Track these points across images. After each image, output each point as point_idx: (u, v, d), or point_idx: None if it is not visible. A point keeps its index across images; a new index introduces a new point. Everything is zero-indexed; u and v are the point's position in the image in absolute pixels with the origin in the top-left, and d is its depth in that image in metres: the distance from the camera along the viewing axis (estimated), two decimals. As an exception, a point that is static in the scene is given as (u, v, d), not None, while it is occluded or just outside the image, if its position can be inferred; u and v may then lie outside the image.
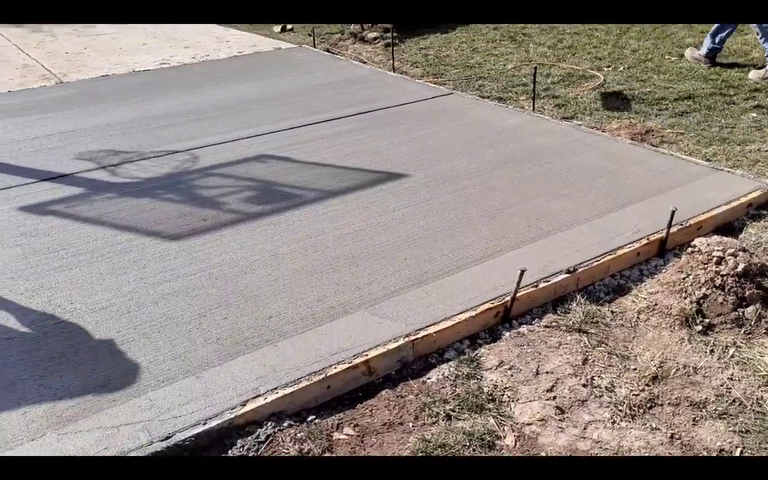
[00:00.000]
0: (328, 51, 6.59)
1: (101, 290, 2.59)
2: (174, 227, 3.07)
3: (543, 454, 1.87)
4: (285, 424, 1.95)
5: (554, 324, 2.40)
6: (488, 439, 1.90)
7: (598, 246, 2.77)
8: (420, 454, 1.84)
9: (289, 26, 7.68)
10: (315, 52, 6.55)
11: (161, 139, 4.20)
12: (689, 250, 2.63)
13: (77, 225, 3.12)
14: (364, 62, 6.15)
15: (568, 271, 2.59)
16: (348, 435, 1.94)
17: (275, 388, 2.03)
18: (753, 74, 5.26)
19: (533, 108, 4.63)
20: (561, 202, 3.19)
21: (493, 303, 2.41)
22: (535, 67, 4.81)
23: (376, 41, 6.85)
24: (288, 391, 2.02)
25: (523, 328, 2.39)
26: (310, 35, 7.15)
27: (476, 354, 2.26)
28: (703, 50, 5.61)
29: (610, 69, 5.69)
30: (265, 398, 1.99)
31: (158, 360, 2.18)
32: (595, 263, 2.66)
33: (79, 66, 6.22)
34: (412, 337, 2.24)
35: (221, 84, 5.45)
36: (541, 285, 2.52)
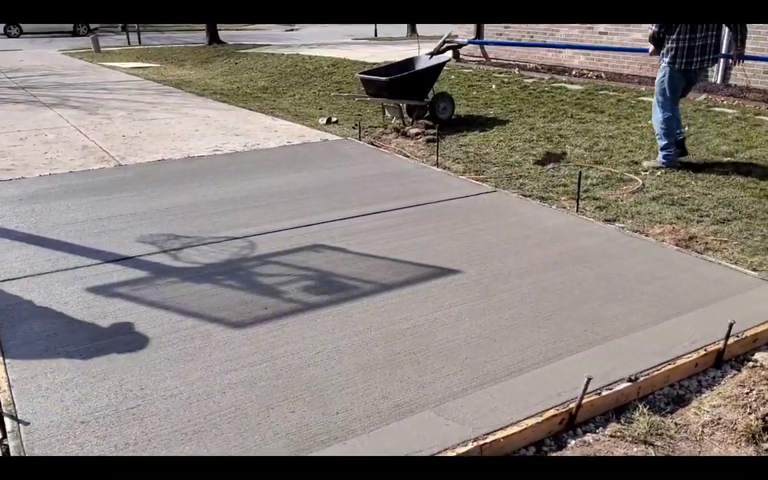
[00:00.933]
0: (372, 144, 6.85)
1: (170, 377, 2.66)
2: (236, 315, 3.17)
3: None
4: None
5: (619, 434, 2.41)
6: (563, 552, 1.89)
7: (657, 355, 2.80)
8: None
9: (333, 118, 8.01)
10: (360, 144, 6.81)
11: (219, 225, 4.37)
12: (750, 364, 2.65)
13: (143, 308, 3.23)
14: (407, 156, 6.38)
15: (629, 380, 2.62)
16: (421, 540, 1.94)
17: (348, 488, 2.05)
18: (646, 163, 5.95)
19: (577, 209, 4.75)
20: (614, 307, 3.24)
21: (557, 409, 2.43)
22: (580, 172, 4.95)
23: (418, 137, 7.11)
24: (361, 491, 2.04)
25: (588, 437, 2.40)
26: (354, 128, 7.46)
27: (543, 461, 2.27)
28: (659, 158, 5.94)
29: (648, 173, 5.82)
30: (339, 497, 2.01)
31: (230, 453, 2.22)
32: (655, 372, 2.68)
33: (136, 149, 6.53)
34: (480, 442, 2.26)
35: (273, 172, 5.68)
36: (604, 393, 2.54)
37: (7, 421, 2.39)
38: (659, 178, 5.65)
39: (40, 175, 5.63)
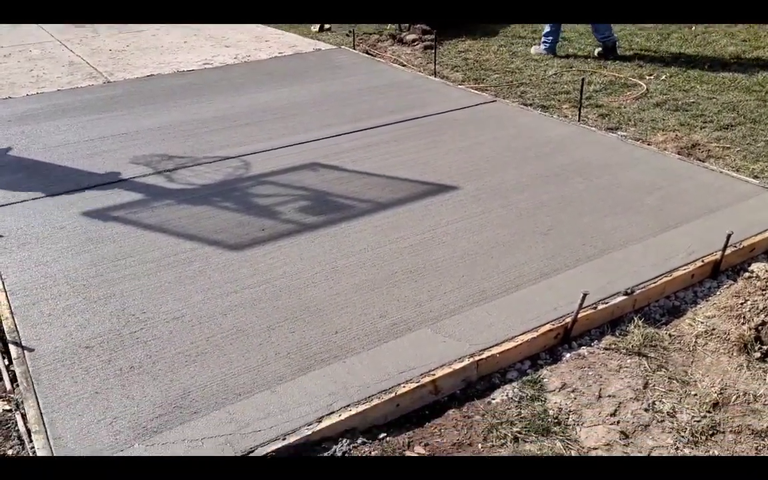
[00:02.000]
0: (367, 53, 6.64)
1: (171, 300, 2.69)
2: (234, 237, 3.17)
3: None
4: (359, 442, 2.04)
5: (613, 346, 2.45)
6: (557, 462, 1.96)
7: (654, 267, 2.81)
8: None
9: (326, 26, 7.74)
10: (354, 53, 6.61)
11: (212, 144, 4.30)
12: (746, 275, 2.66)
13: (141, 232, 3.22)
14: (404, 65, 6.20)
15: (625, 293, 2.64)
16: (419, 453, 2.01)
17: (348, 406, 2.11)
18: (533, 50, 6.50)
19: (579, 118, 4.65)
20: (613, 219, 3.23)
21: (553, 324, 2.46)
22: (583, 79, 4.82)
23: (415, 43, 6.89)
24: (360, 409, 2.10)
25: (583, 350, 2.45)
26: (348, 35, 7.21)
27: (538, 375, 2.32)
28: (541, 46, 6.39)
29: (652, 77, 5.68)
30: (339, 415, 2.07)
31: (233, 373, 2.27)
32: (652, 285, 2.70)
33: (124, 64, 6.35)
34: (477, 357, 2.30)
35: (264, 86, 5.54)
36: (600, 306, 2.57)
37: (11, 348, 2.43)
38: (664, 82, 5.51)
39: (28, 95, 5.49)
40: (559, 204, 3.40)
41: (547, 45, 6.40)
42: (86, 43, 7.34)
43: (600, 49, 6.31)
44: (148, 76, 5.96)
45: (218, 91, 5.46)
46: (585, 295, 2.40)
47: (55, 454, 1.95)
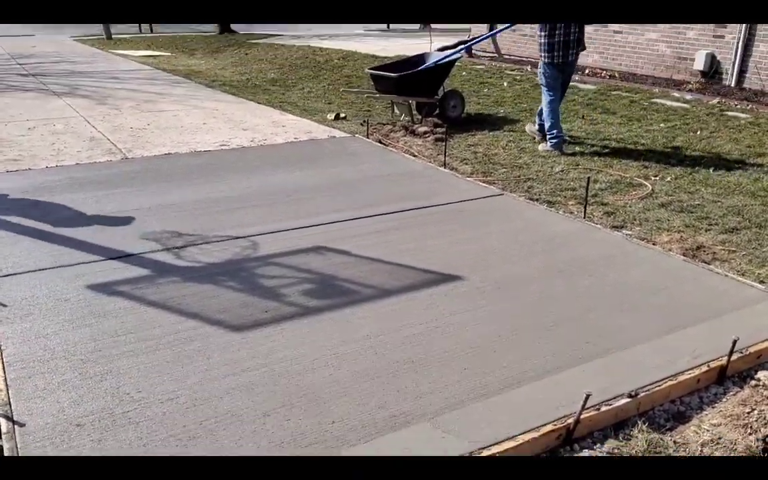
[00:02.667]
0: (380, 142, 6.81)
1: (168, 380, 2.66)
2: (237, 317, 3.16)
3: None
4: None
5: (616, 451, 2.38)
6: None
7: (658, 369, 2.76)
8: None
9: (342, 114, 7.98)
10: (368, 142, 6.78)
11: (223, 223, 4.36)
12: (753, 383, 2.61)
13: (143, 308, 3.23)
14: (415, 156, 6.34)
15: (629, 396, 2.58)
16: None
17: (340, 501, 2.04)
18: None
19: (584, 215, 4.70)
20: (618, 318, 3.20)
21: (555, 424, 2.40)
22: (588, 177, 4.90)
23: (427, 135, 7.07)
24: (353, 504, 2.03)
25: (585, 453, 2.37)
26: (362, 124, 7.42)
27: (539, 478, 2.24)
28: (548, 144, 6.57)
29: (657, 178, 5.76)
30: (331, 511, 2.00)
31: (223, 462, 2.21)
32: (656, 388, 2.65)
33: (143, 142, 6.54)
34: (476, 457, 2.24)
35: (279, 169, 5.67)
36: (603, 408, 2.51)
37: (2, 421, 2.40)
38: (669, 183, 5.59)
39: (47, 167, 5.65)
40: (564, 300, 3.39)
41: (557, 141, 6.52)
42: (109, 120, 7.59)
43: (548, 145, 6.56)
44: (165, 154, 6.12)
45: (233, 172, 5.58)
46: (588, 396, 2.35)
47: (35, 537, 1.89)
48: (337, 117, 7.98)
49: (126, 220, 4.40)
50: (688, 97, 9.15)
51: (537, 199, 5.10)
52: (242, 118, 7.80)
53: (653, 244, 4.25)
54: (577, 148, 6.68)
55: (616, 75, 11.14)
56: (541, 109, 6.71)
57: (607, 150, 6.59)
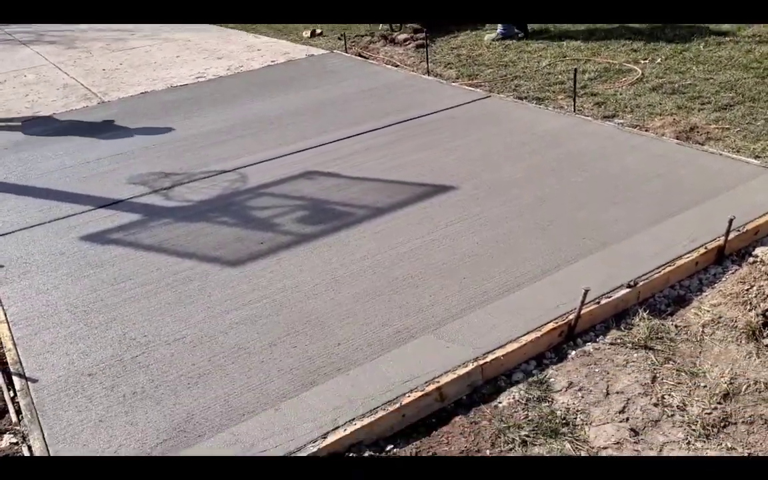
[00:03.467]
0: (359, 56, 6.61)
1: (172, 321, 2.67)
2: (233, 252, 3.15)
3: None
4: (365, 456, 2.02)
5: (619, 341, 2.42)
6: (566, 465, 1.94)
7: (656, 257, 2.78)
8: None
9: (318, 30, 7.72)
10: (347, 57, 6.58)
11: (208, 158, 4.29)
12: (751, 259, 2.63)
13: (139, 253, 3.21)
14: (397, 66, 6.18)
15: (629, 286, 2.61)
16: (427, 464, 1.99)
17: (353, 419, 2.09)
18: (487, 37, 6.71)
19: (574, 109, 4.62)
20: (614, 210, 3.20)
21: (556, 322, 2.44)
22: (575, 69, 4.79)
23: (407, 43, 6.86)
24: (366, 422, 2.08)
25: (589, 346, 2.42)
26: (340, 39, 7.19)
27: (544, 376, 2.29)
28: (498, 29, 6.61)
29: (647, 61, 5.64)
30: (345, 430, 2.05)
31: (236, 392, 2.25)
32: (655, 275, 2.67)
33: (118, 83, 6.35)
34: (481, 362, 2.28)
35: (259, 96, 5.53)
36: (603, 301, 2.54)
37: (15, 379, 2.43)
38: (659, 65, 5.47)
39: (23, 120, 5.50)
40: (558, 198, 3.37)
41: (505, 29, 6.61)
42: (80, 64, 7.35)
43: (494, 35, 6.66)
44: (141, 93, 5.95)
45: (212, 104, 5.45)
46: (587, 291, 2.37)
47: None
48: (313, 34, 7.72)
49: (110, 166, 4.32)
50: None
51: (525, 98, 4.99)
52: (216, 47, 7.54)
53: (646, 131, 4.20)
54: (563, 39, 6.50)
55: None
56: None
57: (593, 37, 6.41)
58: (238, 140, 4.58)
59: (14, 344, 2.63)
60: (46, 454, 2.07)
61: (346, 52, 6.72)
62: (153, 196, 3.83)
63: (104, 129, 5.07)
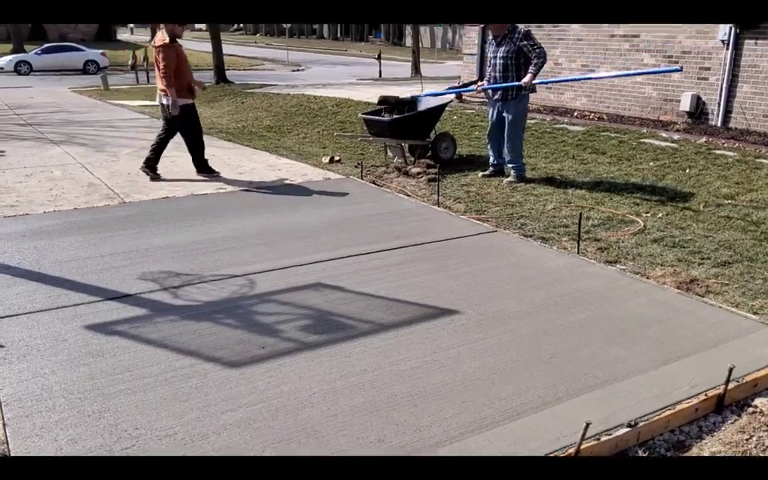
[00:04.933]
0: (374, 183, 6.90)
1: (165, 416, 2.65)
2: (234, 354, 3.16)
3: None
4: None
5: (617, 480, 2.37)
6: None
7: (657, 400, 2.78)
8: None
9: (336, 157, 8.09)
10: (362, 183, 6.86)
11: (220, 263, 4.39)
12: (750, 410, 2.62)
13: (141, 346, 3.23)
14: (409, 195, 6.42)
15: (629, 425, 2.59)
16: None
17: (341, 533, 2.02)
18: (506, 181, 6.91)
19: (578, 250, 4.75)
20: (615, 350, 3.22)
21: (556, 455, 2.40)
22: (581, 213, 4.97)
23: (420, 176, 7.17)
24: (354, 536, 2.01)
25: (586, 483, 2.37)
26: (356, 167, 7.52)
27: (540, 508, 2.23)
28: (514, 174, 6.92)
29: (649, 215, 5.84)
30: (332, 543, 1.99)
31: (224, 494, 2.20)
32: (655, 418, 2.65)
33: (141, 187, 6.60)
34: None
35: (276, 210, 5.72)
36: (603, 438, 2.51)
37: (-1, 460, 2.38)
38: (661, 219, 5.67)
39: (45, 212, 5.68)
40: (561, 333, 3.41)
41: (522, 170, 6.97)
42: (107, 166, 7.67)
43: (511, 178, 6.93)
44: (163, 198, 6.17)
45: (231, 213, 5.63)
46: (588, 424, 2.36)
47: None
48: (331, 160, 8.08)
49: (123, 262, 4.42)
50: (676, 136, 9.33)
51: (530, 236, 5.15)
52: (239, 163, 7.89)
53: (647, 278, 4.29)
54: (569, 188, 6.78)
55: (604, 117, 11.36)
56: (509, 145, 6.91)
57: (598, 188, 6.69)
58: (252, 248, 4.70)
59: (3, 425, 2.60)
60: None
61: (362, 179, 7.00)
62: (161, 293, 3.89)
63: (122, 227, 5.22)
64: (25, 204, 5.96)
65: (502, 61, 6.71)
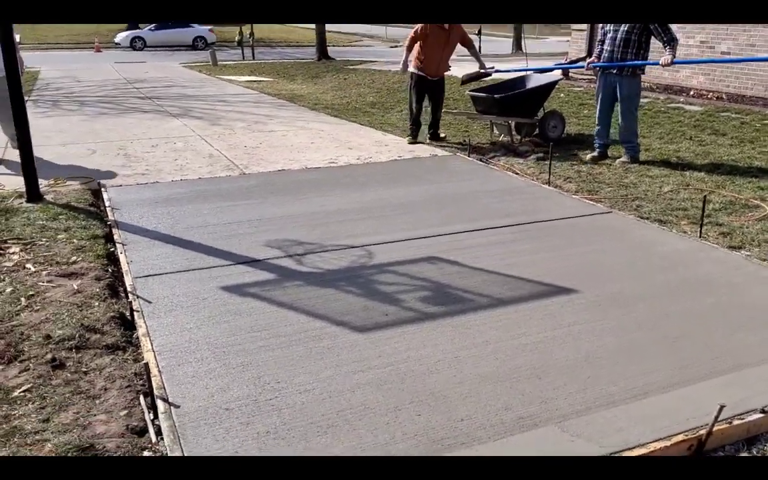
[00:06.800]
0: (481, 160, 6.90)
1: (302, 373, 2.85)
2: (359, 319, 3.33)
3: None
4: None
5: (752, 466, 2.33)
6: None
7: (794, 389, 2.68)
8: None
9: (442, 135, 8.14)
10: (469, 160, 6.89)
11: (338, 234, 4.59)
12: None
13: (274, 308, 3.46)
14: (517, 173, 6.38)
15: (762, 411, 2.53)
16: (548, 550, 1.99)
17: (476, 491, 2.13)
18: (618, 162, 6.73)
19: (700, 234, 4.58)
20: (743, 336, 3.13)
21: (686, 435, 2.39)
22: (704, 195, 4.78)
23: (528, 154, 7.09)
24: (488, 495, 2.11)
25: (719, 467, 2.34)
26: (462, 144, 7.53)
27: (671, 486, 2.24)
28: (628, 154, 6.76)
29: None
30: (467, 499, 2.09)
31: (362, 448, 2.36)
32: (793, 407, 2.57)
33: (258, 159, 6.95)
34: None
35: (385, 185, 5.88)
36: (735, 422, 2.47)
37: (159, 403, 2.65)
38: (789, 205, 5.34)
39: (172, 180, 6.11)
40: (684, 317, 3.33)
41: (635, 150, 6.80)
42: (224, 139, 8.11)
43: (624, 158, 6.77)
44: (279, 170, 6.48)
45: (343, 186, 5.84)
46: (722, 407, 2.33)
47: (200, 502, 2.09)
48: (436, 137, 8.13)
49: (249, 230, 4.70)
50: (806, 117, 8.67)
51: (647, 218, 5.01)
52: (347, 139, 8.11)
53: (777, 265, 4.09)
54: (687, 170, 6.50)
55: (724, 97, 10.71)
56: (623, 124, 6.74)
57: (718, 171, 6.37)
58: (365, 221, 4.87)
59: (159, 372, 2.89)
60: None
61: (469, 156, 7.03)
62: (287, 260, 4.13)
63: (244, 197, 5.54)
64: (154, 172, 6.43)
65: (625, 36, 6.44)
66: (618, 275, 3.86)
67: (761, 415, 2.53)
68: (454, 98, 11.22)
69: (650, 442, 2.35)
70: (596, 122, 6.99)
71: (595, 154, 6.91)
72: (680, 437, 2.38)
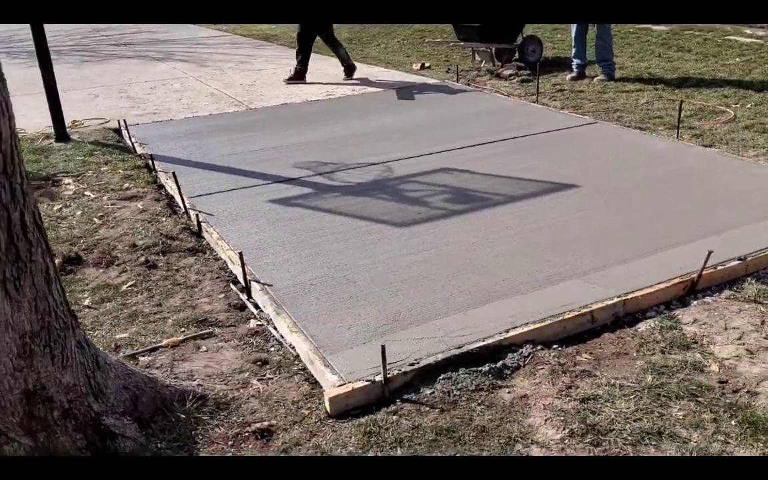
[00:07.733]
0: (469, 85, 7.39)
1: (363, 257, 3.39)
2: (397, 218, 3.87)
3: (742, 378, 2.46)
4: (538, 348, 2.65)
5: (732, 297, 2.99)
6: (699, 365, 2.52)
7: (763, 241, 3.34)
8: (648, 376, 2.48)
9: (426, 63, 8.57)
10: (459, 86, 7.38)
11: (355, 154, 5.08)
12: None
13: (321, 214, 3.97)
14: (505, 95, 6.91)
15: (739, 259, 3.18)
16: (587, 359, 2.61)
17: (526, 323, 2.73)
18: (596, 80, 7.27)
19: (677, 136, 5.22)
20: (723, 211, 3.77)
21: (681, 278, 3.03)
22: (681, 101, 5.40)
23: (512, 77, 7.61)
24: (536, 326, 2.71)
25: (707, 299, 2.99)
26: (448, 72, 8.00)
27: (673, 314, 2.88)
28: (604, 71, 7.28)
29: (738, 106, 6.18)
30: (521, 329, 2.69)
31: (429, 302, 2.93)
32: (762, 254, 3.23)
33: (258, 95, 7.30)
34: (623, 298, 2.89)
35: (386, 112, 6.34)
36: (719, 268, 3.12)
37: (254, 284, 3.17)
38: (750, 109, 6.01)
39: (185, 117, 6.46)
40: (675, 199, 3.96)
41: (611, 69, 7.38)
42: (217, 79, 8.39)
43: (601, 76, 7.32)
44: (282, 104, 6.87)
45: (346, 115, 6.28)
46: (710, 253, 2.97)
47: (311, 340, 2.64)
48: (422, 66, 8.57)
49: (275, 155, 5.15)
50: (761, 33, 9.36)
51: (629, 126, 5.62)
52: (336, 72, 8.47)
53: (742, 157, 4.76)
54: (658, 84, 7.11)
55: (685, 17, 11.31)
56: (599, 42, 7.34)
57: (686, 83, 7.00)
58: (376, 143, 5.36)
59: (242, 263, 3.37)
60: (288, 332, 2.78)
61: (457, 82, 7.51)
62: (318, 177, 4.61)
63: (259, 128, 5.95)
64: (164, 111, 6.75)
65: None
66: (613, 171, 4.47)
67: (738, 262, 3.18)
68: (429, 29, 11.58)
69: (654, 284, 2.98)
70: (572, 45, 7.53)
71: (574, 74, 7.47)
72: (677, 280, 3.02)
